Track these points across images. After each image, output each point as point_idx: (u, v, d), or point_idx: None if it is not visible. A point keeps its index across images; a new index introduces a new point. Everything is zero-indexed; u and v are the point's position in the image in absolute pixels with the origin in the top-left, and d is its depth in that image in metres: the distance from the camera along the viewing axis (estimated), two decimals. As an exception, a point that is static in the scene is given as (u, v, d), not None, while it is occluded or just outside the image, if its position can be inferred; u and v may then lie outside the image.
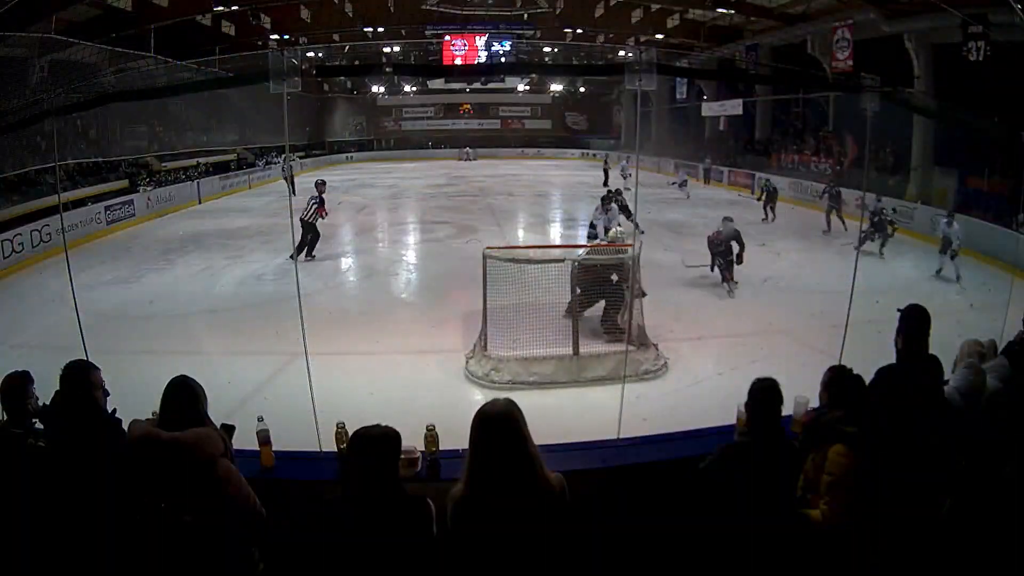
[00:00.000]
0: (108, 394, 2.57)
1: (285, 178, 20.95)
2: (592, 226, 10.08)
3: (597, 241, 8.34)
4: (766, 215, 14.77)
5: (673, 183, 19.65)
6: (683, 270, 9.77)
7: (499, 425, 1.91)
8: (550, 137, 39.34)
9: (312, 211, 10.78)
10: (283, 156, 23.93)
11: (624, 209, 10.83)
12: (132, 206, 15.62)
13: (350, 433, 2.88)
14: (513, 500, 1.86)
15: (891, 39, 15.13)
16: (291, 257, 9.77)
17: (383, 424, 1.92)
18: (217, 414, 2.35)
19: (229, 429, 2.41)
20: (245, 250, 12.15)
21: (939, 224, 10.04)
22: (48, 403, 2.53)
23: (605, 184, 22.51)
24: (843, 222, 13.31)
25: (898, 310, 2.84)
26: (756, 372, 2.49)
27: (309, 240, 10.85)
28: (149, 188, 17.53)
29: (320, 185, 11.36)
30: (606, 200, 10.31)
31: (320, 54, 24.79)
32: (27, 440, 2.39)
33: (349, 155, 36.89)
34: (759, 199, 15.19)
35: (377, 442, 1.85)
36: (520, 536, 1.86)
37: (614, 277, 6.47)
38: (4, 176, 13.17)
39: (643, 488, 2.92)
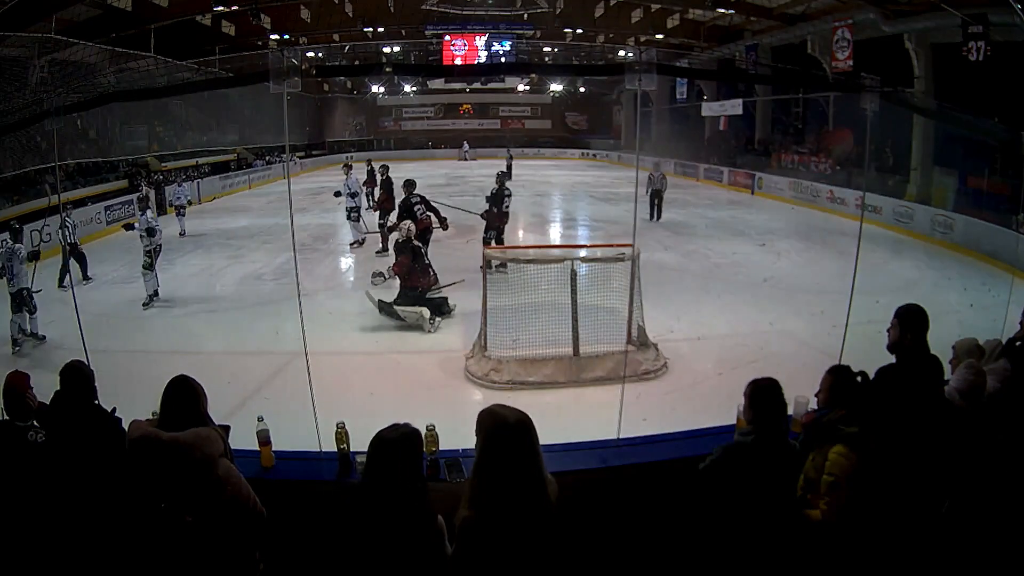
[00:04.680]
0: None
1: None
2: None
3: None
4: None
5: None
6: (684, 270, 9.73)
7: (517, 433, 1.74)
8: (550, 137, 39.33)
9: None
10: (284, 156, 23.90)
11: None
12: (132, 206, 15.60)
13: (350, 433, 2.91)
14: (524, 521, 1.71)
15: (891, 39, 15.11)
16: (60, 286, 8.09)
17: (400, 423, 1.89)
18: (217, 414, 2.35)
19: (224, 429, 2.41)
20: (245, 250, 12.14)
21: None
22: (48, 403, 2.54)
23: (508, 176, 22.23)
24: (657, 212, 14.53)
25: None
26: (756, 372, 2.48)
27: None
28: (150, 188, 17.51)
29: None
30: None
31: (320, 54, 24.78)
32: (28, 435, 2.39)
33: (349, 155, 36.85)
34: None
35: (403, 442, 1.83)
36: (531, 557, 1.73)
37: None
38: (4, 176, 13.18)
39: (643, 488, 2.92)
